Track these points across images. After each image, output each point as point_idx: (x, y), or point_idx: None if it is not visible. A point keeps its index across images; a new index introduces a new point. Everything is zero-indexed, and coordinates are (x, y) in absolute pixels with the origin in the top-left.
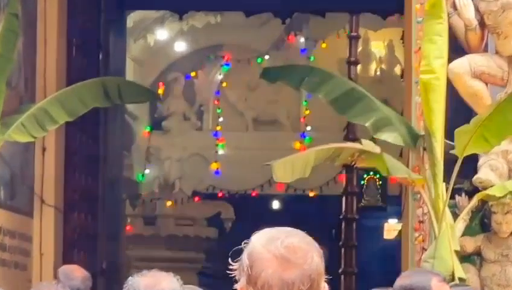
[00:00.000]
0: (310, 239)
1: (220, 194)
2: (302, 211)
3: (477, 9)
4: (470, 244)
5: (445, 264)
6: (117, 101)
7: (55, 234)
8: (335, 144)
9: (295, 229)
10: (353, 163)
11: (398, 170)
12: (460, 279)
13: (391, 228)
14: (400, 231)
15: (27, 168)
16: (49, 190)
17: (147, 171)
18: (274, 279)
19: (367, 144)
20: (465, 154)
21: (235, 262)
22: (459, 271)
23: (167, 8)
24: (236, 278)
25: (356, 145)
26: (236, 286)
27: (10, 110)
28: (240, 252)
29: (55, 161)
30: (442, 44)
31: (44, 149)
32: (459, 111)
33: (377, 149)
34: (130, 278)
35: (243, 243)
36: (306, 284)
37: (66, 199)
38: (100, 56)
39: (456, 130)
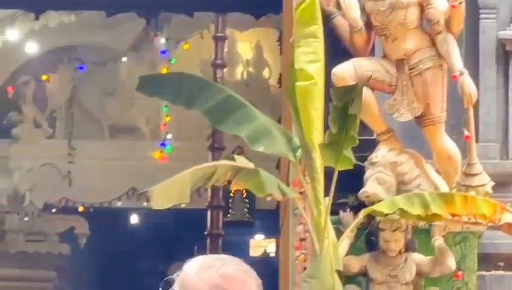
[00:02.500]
0: (247, 267)
1: (73, 208)
2: (164, 225)
3: (363, 9)
4: (355, 263)
5: (325, 284)
6: None
7: None
8: (207, 163)
9: (231, 257)
10: (226, 184)
11: (272, 187)
12: None
13: (257, 244)
14: (266, 250)
15: None
16: None
17: None
18: None
19: (240, 160)
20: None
21: None
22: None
23: (22, 8)
24: None
25: (229, 162)
26: None
27: None
28: (172, 281)
29: None
30: (317, 47)
31: None
32: None
33: (250, 165)
34: None
35: (174, 275)
36: None
37: None
38: None
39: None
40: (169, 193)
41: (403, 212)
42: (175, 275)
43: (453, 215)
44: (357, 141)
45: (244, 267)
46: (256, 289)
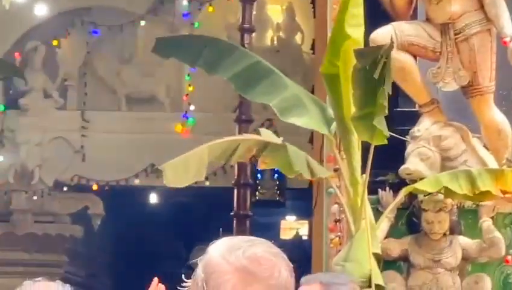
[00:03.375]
0: (277, 250)
1: (87, 186)
2: (186, 205)
3: None
4: (395, 247)
5: (361, 268)
6: None
7: None
8: (229, 137)
9: (260, 239)
10: (252, 160)
11: (301, 165)
12: (378, 286)
13: (288, 226)
14: (298, 232)
15: None
16: None
17: (0, 157)
18: None
19: (266, 134)
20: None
21: (188, 278)
22: (378, 278)
23: None
24: None
25: (254, 136)
26: None
27: None
28: (194, 266)
29: None
30: (359, 11)
31: None
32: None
33: (277, 140)
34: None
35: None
36: None
37: None
38: None
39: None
40: (185, 170)
41: (447, 191)
42: (198, 259)
43: (504, 192)
44: (386, 111)
45: (274, 250)
46: (286, 273)
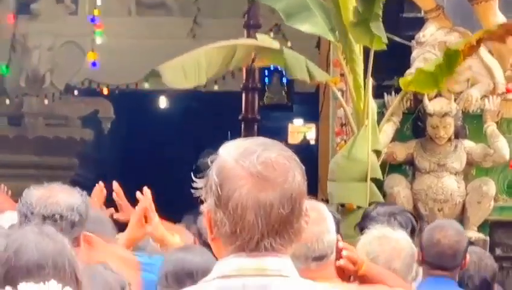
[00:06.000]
0: (290, 153)
1: (97, 90)
2: (194, 109)
3: None
4: (401, 151)
5: (359, 165)
6: None
7: None
8: (226, 41)
9: (272, 141)
10: (252, 63)
11: (299, 69)
12: (377, 180)
13: (296, 130)
14: (305, 135)
15: None
16: None
17: (11, 62)
18: (249, 200)
19: (264, 40)
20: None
21: (199, 178)
22: (377, 172)
23: None
24: (202, 198)
25: (250, 41)
26: (202, 207)
27: None
28: (204, 165)
29: None
30: None
31: None
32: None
33: (275, 44)
34: (25, 190)
35: (208, 160)
36: (287, 207)
37: None
38: None
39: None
40: (184, 73)
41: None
42: (209, 160)
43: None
44: (380, 17)
45: (287, 153)
46: (300, 176)
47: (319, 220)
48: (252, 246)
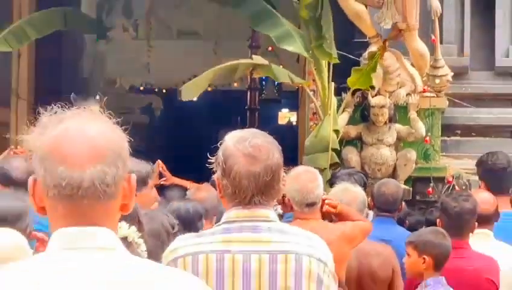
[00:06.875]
0: (271, 139)
1: (151, 88)
2: (217, 103)
3: None
4: (353, 131)
5: (324, 141)
6: (70, 28)
7: (27, 121)
8: (231, 61)
9: (260, 131)
10: (251, 73)
11: (283, 77)
12: (336, 150)
13: (283, 116)
14: (290, 119)
15: (6, 71)
16: (22, 87)
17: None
18: (243, 171)
19: (257, 59)
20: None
21: (212, 157)
22: (336, 145)
23: None
24: (214, 170)
25: (248, 60)
26: (213, 176)
27: None
28: (216, 149)
29: (27, 65)
30: None
31: (19, 56)
32: (346, 24)
33: (265, 62)
34: None
35: (218, 143)
36: (269, 175)
37: (36, 93)
38: None
39: None
40: (195, 87)
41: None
42: (219, 143)
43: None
44: (333, 42)
45: (269, 139)
46: (278, 155)
47: (312, 179)
48: (246, 201)
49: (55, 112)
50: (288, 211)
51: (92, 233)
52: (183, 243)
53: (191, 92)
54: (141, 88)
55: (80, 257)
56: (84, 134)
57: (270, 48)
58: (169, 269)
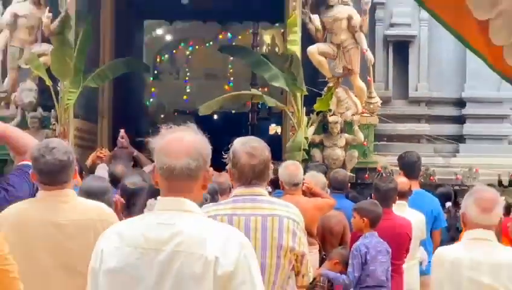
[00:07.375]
0: (264, 143)
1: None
2: (229, 120)
3: (321, 20)
4: (317, 138)
5: (298, 144)
6: (134, 71)
7: (108, 137)
8: (237, 92)
9: (257, 138)
10: (252, 100)
11: (272, 103)
12: (306, 150)
13: (273, 129)
14: (276, 131)
15: (95, 100)
16: (105, 110)
17: (149, 100)
18: (246, 163)
19: (254, 91)
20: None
21: (226, 154)
22: (305, 147)
23: None
24: (226, 162)
25: (246, 92)
26: (227, 167)
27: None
28: (228, 150)
29: (108, 96)
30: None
31: (103, 90)
32: (313, 69)
33: (259, 93)
34: None
35: (230, 145)
36: (262, 166)
37: (114, 114)
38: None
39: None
40: (210, 107)
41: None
42: (230, 145)
43: None
44: (299, 80)
45: (263, 143)
46: (267, 153)
47: (297, 168)
48: (247, 183)
49: (170, 127)
50: (281, 190)
51: (181, 201)
52: (207, 209)
53: (206, 109)
54: (180, 110)
55: (173, 214)
56: (181, 140)
57: (266, 89)
58: (219, 223)
